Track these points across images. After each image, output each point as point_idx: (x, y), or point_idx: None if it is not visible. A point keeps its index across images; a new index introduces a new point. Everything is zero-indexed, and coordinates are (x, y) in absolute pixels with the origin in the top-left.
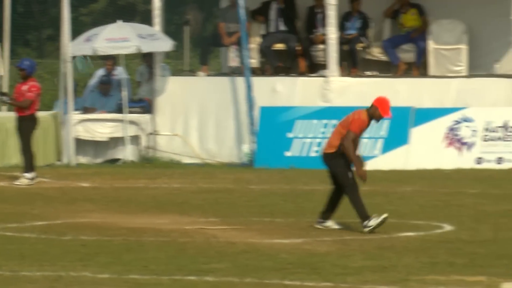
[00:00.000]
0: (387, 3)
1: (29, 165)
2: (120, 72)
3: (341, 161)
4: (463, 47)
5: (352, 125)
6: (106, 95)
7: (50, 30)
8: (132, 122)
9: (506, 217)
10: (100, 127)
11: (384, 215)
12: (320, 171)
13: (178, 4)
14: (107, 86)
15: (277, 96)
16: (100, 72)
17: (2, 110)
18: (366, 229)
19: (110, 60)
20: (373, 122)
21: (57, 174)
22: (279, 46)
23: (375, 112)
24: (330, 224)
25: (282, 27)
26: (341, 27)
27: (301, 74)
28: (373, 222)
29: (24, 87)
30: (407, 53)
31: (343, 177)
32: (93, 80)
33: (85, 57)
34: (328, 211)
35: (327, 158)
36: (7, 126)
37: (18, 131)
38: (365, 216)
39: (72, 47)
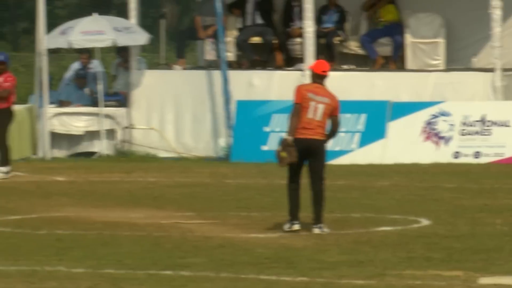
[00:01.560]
0: None
1: (4, 158)
2: (95, 66)
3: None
4: (441, 41)
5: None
6: (82, 89)
7: (26, 23)
8: (107, 116)
9: (483, 211)
10: (76, 120)
11: (295, 228)
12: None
13: None
14: (82, 79)
15: (253, 90)
16: (76, 66)
17: None
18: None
19: (85, 54)
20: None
21: (32, 168)
22: (256, 39)
23: (311, 75)
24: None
25: (259, 21)
26: (318, 20)
27: (278, 67)
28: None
29: (0, 79)
30: (384, 47)
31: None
32: (68, 74)
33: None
34: (299, 212)
35: (318, 144)
36: None
37: None
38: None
39: (47, 40)
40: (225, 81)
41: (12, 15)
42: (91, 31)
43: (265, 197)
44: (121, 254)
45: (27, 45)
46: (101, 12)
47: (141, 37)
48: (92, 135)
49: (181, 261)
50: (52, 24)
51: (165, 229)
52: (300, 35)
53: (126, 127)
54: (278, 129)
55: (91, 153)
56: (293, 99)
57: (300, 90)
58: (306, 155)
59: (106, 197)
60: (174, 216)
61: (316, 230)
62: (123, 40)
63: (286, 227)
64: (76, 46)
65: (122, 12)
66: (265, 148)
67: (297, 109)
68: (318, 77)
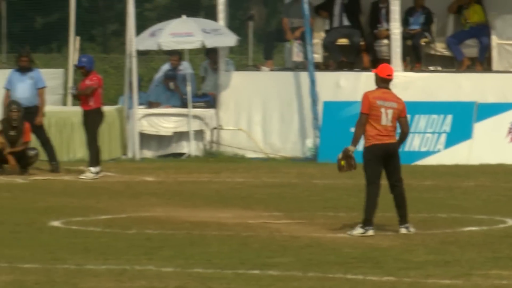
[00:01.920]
0: None
1: (94, 159)
2: (185, 67)
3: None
4: None
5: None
6: (171, 90)
7: (115, 25)
8: (196, 117)
9: None
10: (165, 121)
11: (369, 233)
12: None
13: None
14: (171, 80)
15: (340, 91)
16: (166, 67)
17: (67, 105)
18: (352, 232)
19: (176, 55)
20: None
21: (122, 168)
22: (343, 41)
23: (375, 79)
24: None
25: (346, 22)
26: (405, 22)
27: (365, 69)
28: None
29: (87, 82)
30: (470, 48)
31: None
32: (158, 75)
33: None
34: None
35: (395, 147)
36: (72, 120)
37: (84, 126)
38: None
39: (137, 42)
40: (312, 82)
41: (102, 17)
42: (180, 33)
43: (352, 197)
44: (209, 253)
45: (117, 47)
46: (190, 14)
47: (229, 39)
48: (181, 136)
49: (268, 261)
50: (141, 26)
51: (253, 229)
52: (387, 36)
53: (215, 128)
54: None
55: (180, 154)
56: (361, 107)
57: (368, 99)
58: (385, 160)
59: (195, 197)
60: (262, 216)
61: (403, 230)
62: (211, 42)
63: (356, 232)
64: (165, 48)
65: (211, 14)
66: None
67: (363, 119)
68: (383, 81)
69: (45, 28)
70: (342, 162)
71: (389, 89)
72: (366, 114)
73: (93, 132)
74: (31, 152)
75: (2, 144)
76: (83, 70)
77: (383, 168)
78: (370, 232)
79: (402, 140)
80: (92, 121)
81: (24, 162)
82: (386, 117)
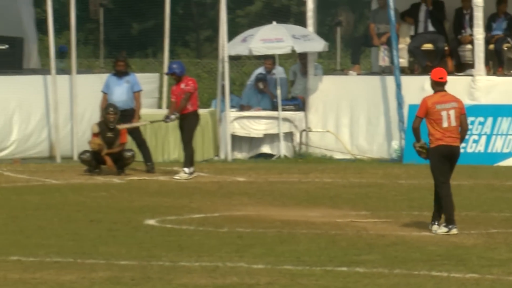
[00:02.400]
0: None
1: (189, 160)
2: (279, 72)
3: None
4: None
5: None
6: (262, 93)
7: (208, 31)
8: (286, 120)
9: None
10: (256, 124)
11: (453, 232)
12: (466, 166)
13: (331, 6)
14: (263, 83)
15: (425, 94)
16: (259, 71)
17: (162, 108)
18: (437, 231)
19: (270, 60)
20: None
21: (214, 169)
22: (428, 46)
23: (431, 84)
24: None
25: (431, 28)
26: (488, 28)
27: (449, 73)
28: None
29: (182, 85)
30: None
31: None
32: (251, 79)
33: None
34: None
35: (458, 151)
36: (168, 124)
37: (180, 128)
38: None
39: (229, 48)
40: (398, 86)
41: (196, 24)
42: (271, 39)
43: None
44: (299, 251)
45: (209, 52)
46: (280, 21)
47: (318, 44)
48: (271, 137)
49: (356, 258)
50: (233, 32)
51: (341, 228)
52: (471, 42)
53: (304, 130)
54: None
55: (270, 155)
56: (417, 110)
57: (426, 104)
58: (449, 160)
59: (285, 196)
60: (349, 215)
61: (454, 231)
62: (301, 47)
63: (441, 230)
64: (256, 53)
65: (300, 20)
66: None
67: (417, 122)
68: (437, 84)
69: (141, 34)
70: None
71: (445, 91)
72: (420, 119)
73: (189, 134)
74: (128, 154)
75: (100, 146)
76: (174, 76)
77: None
78: (454, 231)
79: (463, 137)
80: (189, 123)
81: (121, 163)
82: (449, 118)
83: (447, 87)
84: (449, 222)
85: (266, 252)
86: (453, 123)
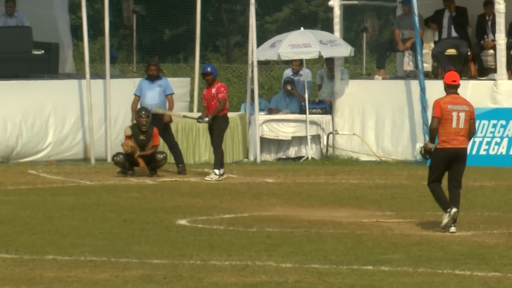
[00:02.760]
0: None
1: (219, 162)
2: (306, 74)
3: None
4: None
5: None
6: (290, 96)
7: (238, 36)
8: (313, 122)
9: None
10: (284, 126)
11: (453, 211)
12: (488, 168)
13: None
14: (290, 85)
15: None
16: (287, 72)
17: (193, 111)
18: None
19: (298, 61)
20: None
21: (244, 170)
22: (451, 51)
23: (444, 87)
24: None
25: (454, 34)
26: (510, 33)
27: (472, 77)
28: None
29: (213, 90)
30: None
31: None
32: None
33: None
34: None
35: (465, 153)
36: (198, 126)
37: (210, 131)
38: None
39: (258, 53)
40: (422, 90)
41: (226, 30)
42: (298, 44)
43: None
44: (326, 250)
45: (239, 57)
46: (307, 27)
47: (345, 50)
48: (299, 140)
49: (381, 257)
50: (262, 38)
51: (367, 227)
52: (493, 47)
53: (330, 133)
54: None
55: (298, 157)
56: (433, 112)
57: (439, 104)
58: (452, 163)
59: (312, 197)
60: (374, 215)
61: (452, 229)
62: (328, 52)
63: (446, 219)
64: (284, 58)
65: (327, 26)
66: None
67: (435, 122)
68: (450, 87)
69: (172, 40)
70: (422, 151)
71: (457, 93)
72: (438, 118)
73: (219, 137)
74: (160, 156)
75: (133, 148)
76: (209, 77)
77: (448, 170)
78: (454, 210)
79: (469, 139)
80: (218, 126)
81: (154, 165)
82: (458, 120)
83: (459, 90)
84: (446, 207)
85: (294, 251)
86: (462, 125)
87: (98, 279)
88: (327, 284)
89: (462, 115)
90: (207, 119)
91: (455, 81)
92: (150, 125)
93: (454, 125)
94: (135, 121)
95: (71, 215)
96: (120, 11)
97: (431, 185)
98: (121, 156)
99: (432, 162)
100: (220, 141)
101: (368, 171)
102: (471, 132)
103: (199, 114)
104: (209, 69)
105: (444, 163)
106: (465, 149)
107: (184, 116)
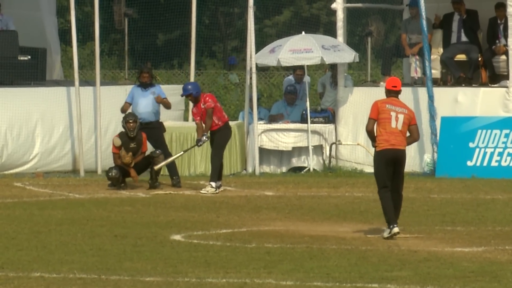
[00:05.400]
0: None
1: (215, 174)
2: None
3: None
4: None
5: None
6: (292, 105)
7: (236, 41)
8: (315, 132)
9: None
10: (284, 136)
11: (395, 231)
12: (500, 180)
13: (361, 16)
14: (293, 95)
15: (458, 106)
16: (289, 80)
17: (188, 120)
18: (383, 235)
19: (301, 69)
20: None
21: (242, 182)
22: (461, 57)
23: (385, 91)
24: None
25: (464, 38)
26: None
27: (483, 84)
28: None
29: (202, 105)
30: None
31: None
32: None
33: None
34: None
35: (404, 154)
36: (193, 135)
37: (211, 143)
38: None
39: (256, 58)
40: (430, 97)
41: (223, 34)
42: (299, 49)
43: (470, 211)
44: (328, 267)
45: (237, 63)
46: (309, 31)
47: (348, 55)
48: (300, 151)
49: (387, 274)
50: (261, 43)
51: (372, 243)
52: (505, 52)
53: (333, 143)
54: (483, 144)
55: (299, 168)
56: (369, 113)
57: (376, 105)
58: (393, 164)
59: (314, 211)
60: (380, 230)
61: (395, 230)
62: (330, 58)
63: (386, 233)
64: (284, 64)
65: (329, 30)
66: (470, 163)
67: (371, 124)
68: (390, 92)
69: (166, 45)
70: None
71: (397, 98)
72: (374, 120)
73: (219, 147)
74: (156, 152)
75: (132, 158)
76: (191, 98)
77: (391, 172)
78: (395, 230)
79: (409, 143)
80: (219, 137)
81: (152, 171)
82: (397, 121)
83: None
84: (390, 222)
85: (295, 268)
86: (400, 126)
87: None
88: None
89: (400, 116)
90: (204, 138)
91: (395, 86)
92: (138, 131)
93: (393, 125)
94: (122, 128)
95: (59, 230)
96: (111, 15)
97: (380, 192)
98: (115, 170)
99: (375, 167)
100: (218, 152)
101: (373, 184)
102: (413, 138)
103: (191, 123)
104: (188, 88)
105: (386, 165)
106: (404, 151)
107: (185, 151)
